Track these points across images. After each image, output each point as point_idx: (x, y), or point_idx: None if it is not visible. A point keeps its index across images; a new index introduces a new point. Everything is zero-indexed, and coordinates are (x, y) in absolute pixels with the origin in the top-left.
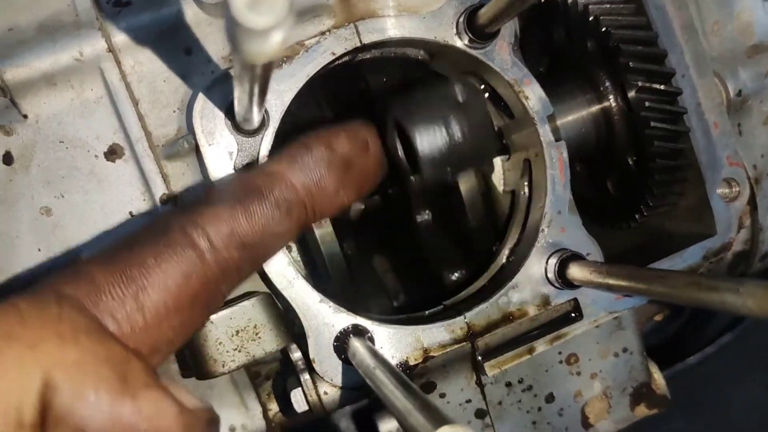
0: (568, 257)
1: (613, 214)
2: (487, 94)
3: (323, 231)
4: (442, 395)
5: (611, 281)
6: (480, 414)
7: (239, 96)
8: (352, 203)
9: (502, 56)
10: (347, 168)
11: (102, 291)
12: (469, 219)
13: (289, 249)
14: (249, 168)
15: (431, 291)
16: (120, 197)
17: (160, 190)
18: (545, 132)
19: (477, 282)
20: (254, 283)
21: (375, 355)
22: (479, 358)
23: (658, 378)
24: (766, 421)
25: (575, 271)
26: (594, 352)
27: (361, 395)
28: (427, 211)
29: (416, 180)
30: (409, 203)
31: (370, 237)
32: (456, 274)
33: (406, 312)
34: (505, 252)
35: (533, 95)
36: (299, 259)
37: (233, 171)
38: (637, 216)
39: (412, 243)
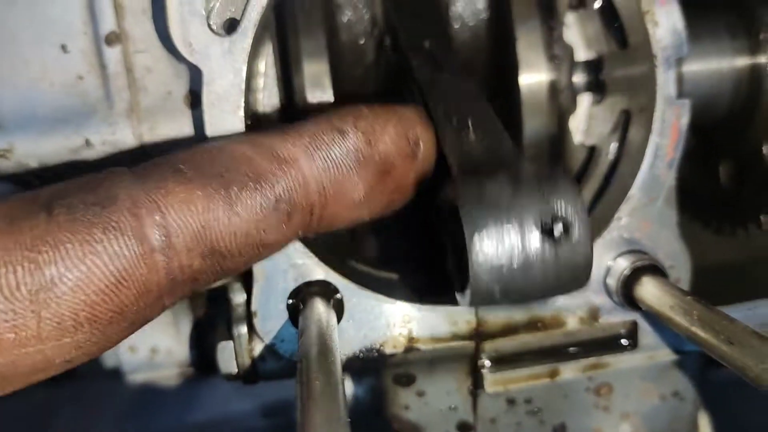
0: (644, 267)
1: (717, 212)
2: (599, 3)
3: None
4: (421, 393)
5: (680, 318)
6: (464, 428)
7: None
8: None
9: None
10: (384, 173)
11: None
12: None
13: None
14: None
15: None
16: (56, 24)
17: (108, 25)
18: (666, 81)
19: None
20: None
21: (322, 335)
22: (483, 364)
23: None
24: None
25: (647, 290)
26: (635, 387)
27: None
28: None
29: None
30: None
31: None
32: None
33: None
34: None
35: (666, 22)
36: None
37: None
38: (762, 218)
39: None
